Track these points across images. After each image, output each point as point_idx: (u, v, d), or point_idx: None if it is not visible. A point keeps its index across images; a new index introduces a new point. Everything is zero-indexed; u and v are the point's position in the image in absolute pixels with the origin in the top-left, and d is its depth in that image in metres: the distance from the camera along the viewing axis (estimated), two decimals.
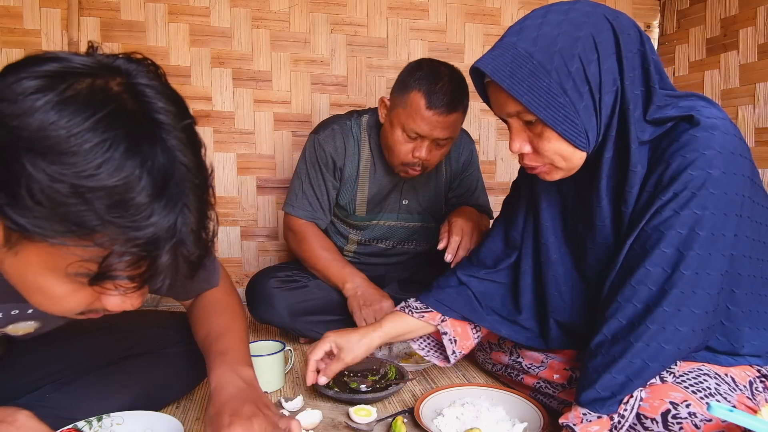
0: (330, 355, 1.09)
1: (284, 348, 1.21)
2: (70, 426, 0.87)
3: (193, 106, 1.92)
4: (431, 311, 1.11)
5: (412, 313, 1.12)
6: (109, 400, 0.94)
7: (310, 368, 1.06)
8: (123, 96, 0.52)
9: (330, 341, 1.07)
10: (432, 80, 1.30)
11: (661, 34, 2.23)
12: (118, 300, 0.60)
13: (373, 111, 1.57)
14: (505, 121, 0.89)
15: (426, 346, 1.20)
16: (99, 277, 0.53)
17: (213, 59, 1.92)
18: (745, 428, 0.74)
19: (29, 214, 0.49)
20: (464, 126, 1.51)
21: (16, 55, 1.77)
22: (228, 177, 1.98)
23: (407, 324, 1.12)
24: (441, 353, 1.18)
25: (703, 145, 0.77)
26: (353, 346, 1.07)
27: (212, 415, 0.77)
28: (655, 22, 2.24)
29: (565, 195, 1.00)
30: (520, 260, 1.10)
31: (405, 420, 0.98)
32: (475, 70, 0.86)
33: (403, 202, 1.60)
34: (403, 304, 1.16)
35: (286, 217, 1.57)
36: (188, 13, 1.88)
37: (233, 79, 1.94)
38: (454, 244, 1.30)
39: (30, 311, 0.80)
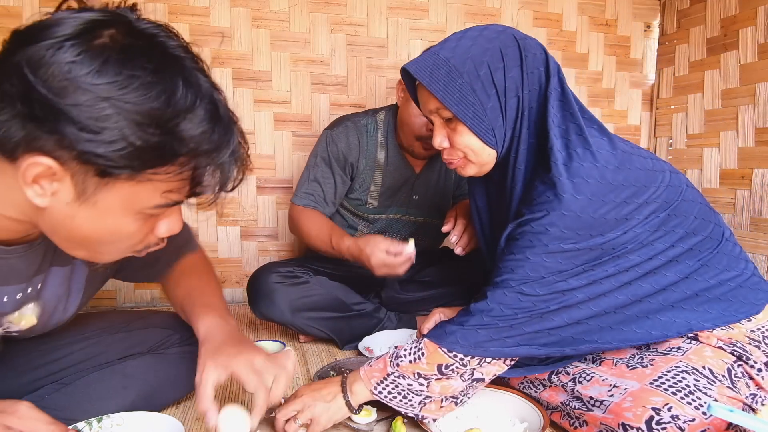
0: None
1: (284, 348, 1.21)
2: (70, 427, 0.87)
3: None
4: None
5: None
6: (109, 401, 0.94)
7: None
8: (160, 39, 0.60)
9: (439, 313, 1.22)
10: None
11: (661, 34, 2.23)
12: (166, 226, 0.69)
13: (389, 108, 1.59)
14: (431, 123, 1.01)
15: None
16: (192, 194, 0.65)
17: (213, 59, 1.91)
18: (736, 426, 0.74)
19: (122, 152, 0.55)
20: None
21: None
22: None
23: None
24: None
25: (558, 197, 0.85)
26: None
27: (212, 349, 0.82)
28: (655, 22, 2.24)
29: (490, 193, 1.10)
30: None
31: (405, 420, 0.98)
32: (405, 74, 1.00)
33: (414, 197, 1.62)
34: None
35: (290, 207, 1.58)
36: (188, 13, 1.88)
37: (233, 79, 1.94)
38: (461, 226, 1.31)
39: (29, 291, 0.80)
